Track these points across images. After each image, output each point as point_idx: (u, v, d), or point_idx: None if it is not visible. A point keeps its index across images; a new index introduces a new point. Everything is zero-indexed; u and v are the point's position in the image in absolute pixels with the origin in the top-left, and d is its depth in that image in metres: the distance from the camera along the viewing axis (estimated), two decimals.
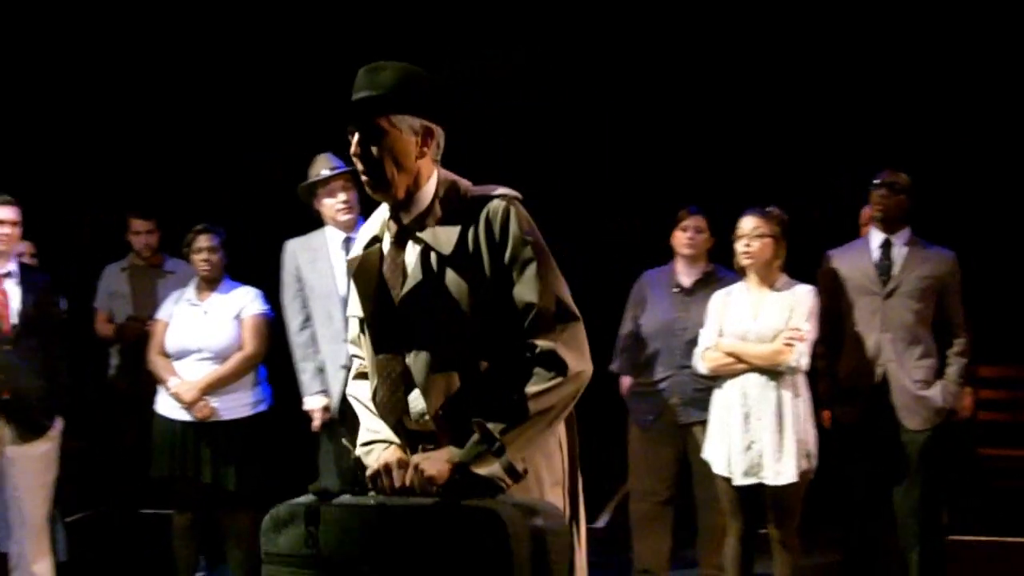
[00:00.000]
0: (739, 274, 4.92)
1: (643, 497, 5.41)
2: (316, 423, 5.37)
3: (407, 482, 2.68)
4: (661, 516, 5.37)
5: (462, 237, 2.78)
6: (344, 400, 5.33)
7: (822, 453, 4.79)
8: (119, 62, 7.37)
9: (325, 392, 5.38)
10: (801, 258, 5.05)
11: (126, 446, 6.15)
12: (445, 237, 2.79)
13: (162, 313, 5.61)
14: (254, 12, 7.19)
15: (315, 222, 5.54)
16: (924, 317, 5.15)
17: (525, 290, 2.75)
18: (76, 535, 6.49)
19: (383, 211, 2.93)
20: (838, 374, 5.24)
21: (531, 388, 2.70)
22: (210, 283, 5.53)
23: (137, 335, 5.98)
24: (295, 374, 5.44)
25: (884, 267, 5.19)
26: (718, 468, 4.80)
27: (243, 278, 5.62)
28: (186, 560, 5.54)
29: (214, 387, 5.36)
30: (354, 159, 2.83)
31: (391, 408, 2.86)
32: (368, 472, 2.74)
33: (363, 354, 2.96)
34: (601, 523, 7.05)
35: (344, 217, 5.40)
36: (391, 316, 2.84)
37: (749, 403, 4.71)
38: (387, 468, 2.71)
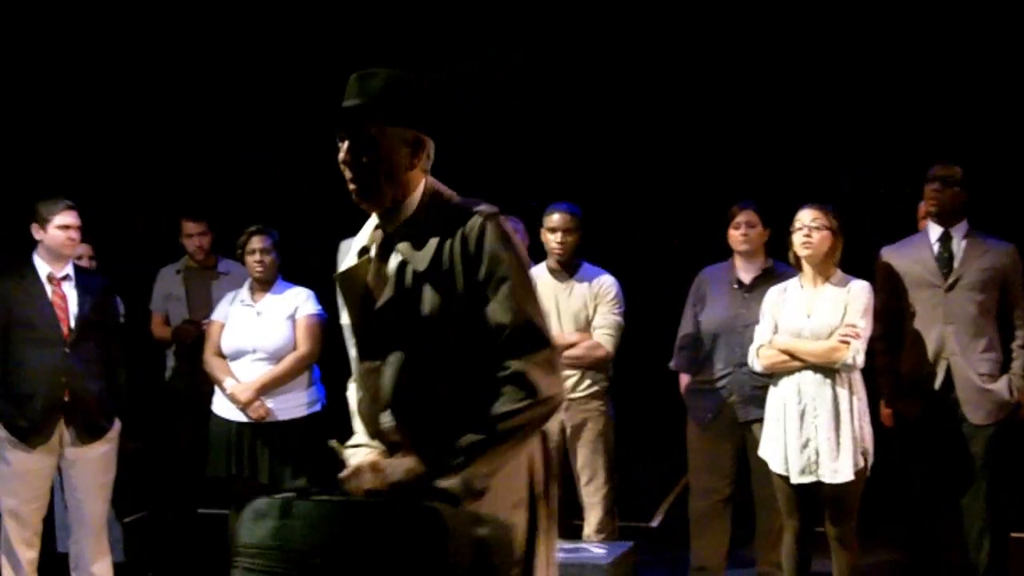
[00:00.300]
0: (795, 268, 4.88)
1: (702, 495, 5.36)
2: None
3: (373, 486, 2.71)
4: (720, 514, 5.32)
5: (438, 252, 2.76)
6: None
7: (882, 450, 4.74)
8: (173, 65, 7.42)
9: None
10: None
11: (183, 447, 6.19)
12: (422, 251, 2.78)
13: (217, 314, 5.65)
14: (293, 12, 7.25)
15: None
16: (987, 309, 5.07)
17: (498, 310, 2.71)
18: (133, 535, 6.54)
19: (374, 220, 2.94)
20: (900, 369, 5.17)
21: (499, 409, 2.67)
22: (264, 284, 5.55)
23: (193, 337, 6.02)
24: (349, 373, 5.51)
25: (944, 260, 5.12)
26: (775, 466, 4.75)
27: (297, 279, 5.65)
28: None
29: (269, 387, 5.39)
30: (342, 166, 2.83)
31: (370, 418, 2.89)
32: (341, 475, 2.78)
33: None
34: (655, 522, 7.02)
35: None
36: (372, 326, 2.86)
37: (805, 401, 4.66)
38: (357, 471, 2.75)
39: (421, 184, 2.86)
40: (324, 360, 5.58)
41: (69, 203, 5.21)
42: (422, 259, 2.77)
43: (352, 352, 3.01)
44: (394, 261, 2.82)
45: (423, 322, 2.76)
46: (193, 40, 7.23)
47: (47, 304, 5.15)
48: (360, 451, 2.91)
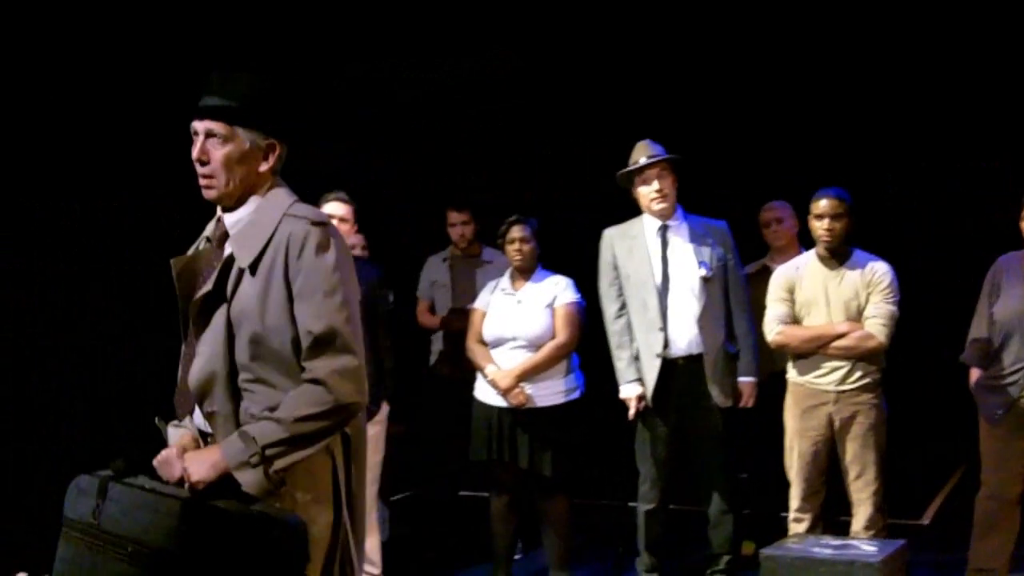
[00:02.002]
0: None
1: (992, 494, 5.10)
2: (631, 412, 5.43)
3: (180, 477, 2.83)
4: (1008, 514, 5.06)
5: (263, 252, 2.89)
6: (658, 386, 5.39)
7: None
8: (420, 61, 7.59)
9: (640, 381, 5.43)
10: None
11: (447, 431, 6.33)
12: (248, 250, 2.90)
13: (479, 302, 5.74)
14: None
15: (633, 209, 5.58)
16: None
17: (308, 316, 2.83)
18: (398, 515, 6.77)
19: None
20: None
21: (298, 411, 2.80)
22: (524, 273, 5.60)
23: (460, 326, 6.13)
24: (610, 362, 5.53)
25: None
26: None
27: (557, 267, 5.68)
28: (503, 542, 5.65)
29: (528, 375, 5.43)
30: (195, 162, 2.96)
31: (182, 402, 3.02)
32: (155, 460, 2.90)
33: None
34: (926, 519, 6.79)
35: (658, 206, 5.43)
36: (193, 313, 2.97)
37: None
38: (167, 460, 2.88)
39: (267, 185, 3.02)
40: (583, 348, 5.60)
41: (340, 195, 5.39)
42: (247, 256, 2.91)
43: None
44: (223, 254, 2.98)
45: (236, 316, 2.90)
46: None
47: None
48: (179, 432, 3.01)
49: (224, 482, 2.79)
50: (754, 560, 4.95)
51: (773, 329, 5.21)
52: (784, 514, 5.32)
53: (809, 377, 5.14)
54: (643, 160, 5.42)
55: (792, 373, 5.23)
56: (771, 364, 5.51)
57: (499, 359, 5.52)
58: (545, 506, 5.55)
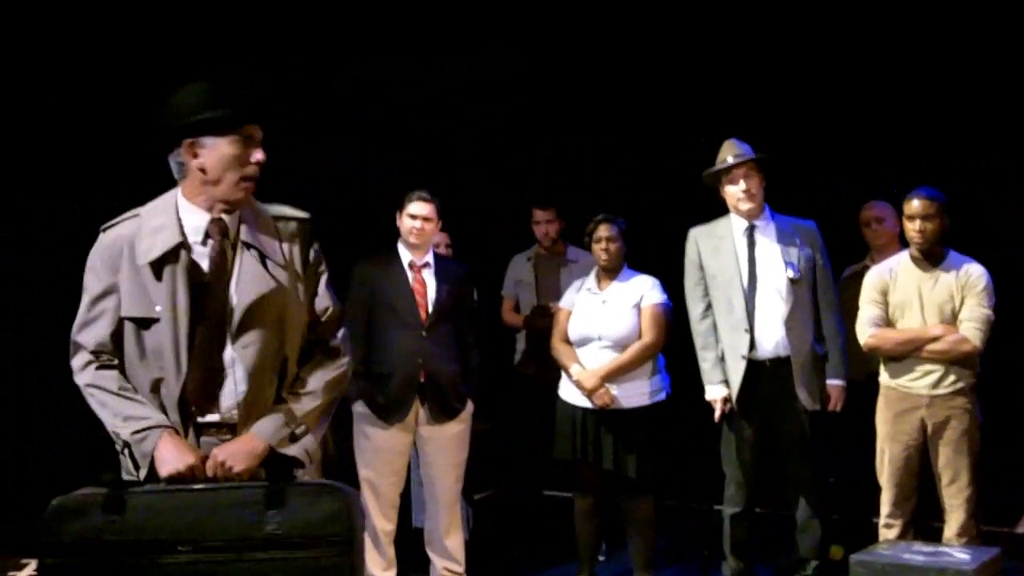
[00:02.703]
0: None
1: None
2: (716, 414, 5.44)
3: (211, 474, 2.98)
4: None
5: (282, 247, 3.21)
6: (744, 388, 5.38)
7: None
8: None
9: (725, 382, 5.44)
10: None
11: (531, 429, 6.38)
12: (272, 247, 3.19)
13: (565, 301, 5.77)
14: None
15: (719, 209, 5.57)
16: None
17: (325, 295, 3.26)
18: (481, 513, 6.78)
19: (169, 210, 3.17)
20: None
21: (327, 376, 3.20)
22: (609, 272, 5.62)
23: (543, 325, 6.17)
24: (696, 363, 5.53)
25: None
26: None
27: (644, 268, 5.68)
28: (587, 543, 5.69)
29: (614, 375, 5.45)
30: (256, 165, 3.14)
31: (201, 399, 3.09)
32: (168, 473, 2.96)
33: (102, 343, 3.16)
34: (1021, 528, 6.68)
35: (745, 206, 5.43)
36: (213, 313, 3.10)
37: None
38: (191, 471, 2.98)
39: None
40: (669, 349, 5.61)
41: (423, 193, 5.43)
42: (276, 252, 3.18)
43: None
44: (248, 252, 3.15)
45: (278, 308, 3.15)
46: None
47: (408, 290, 5.43)
48: (151, 435, 3.03)
49: (271, 460, 3.04)
50: (842, 565, 4.92)
51: (866, 331, 5.18)
52: (875, 519, 5.29)
53: (902, 380, 5.12)
54: (730, 159, 5.42)
55: (884, 376, 5.20)
56: (866, 366, 5.49)
57: (584, 359, 5.55)
58: (630, 507, 5.57)
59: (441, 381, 5.41)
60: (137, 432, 3.02)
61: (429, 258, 5.54)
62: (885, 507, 5.16)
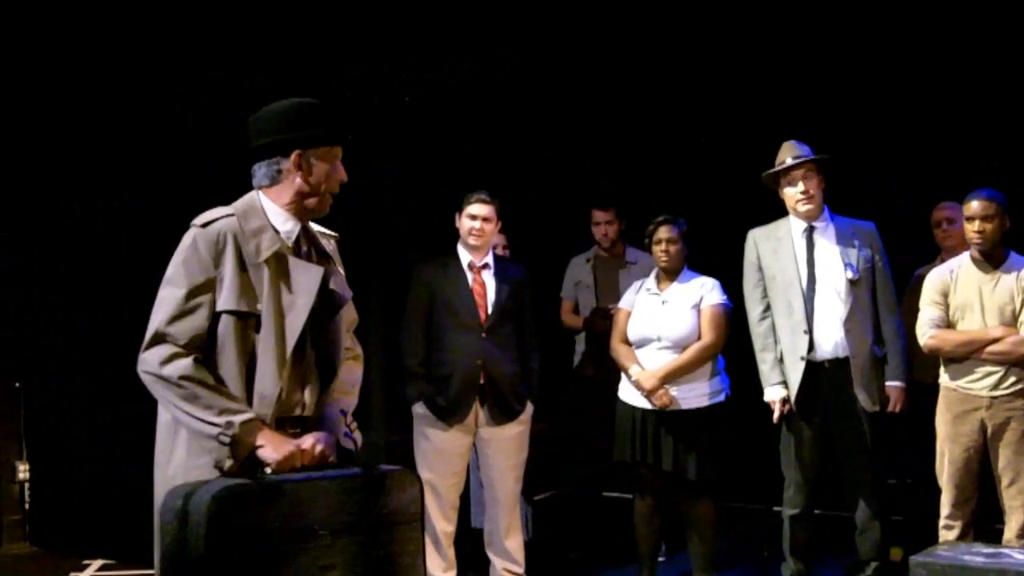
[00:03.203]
0: None
1: None
2: (775, 415, 5.47)
3: (304, 463, 3.21)
4: None
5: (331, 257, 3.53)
6: (803, 389, 5.40)
7: None
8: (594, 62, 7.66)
9: (784, 383, 5.47)
10: None
11: (591, 431, 6.41)
12: (336, 256, 3.53)
13: (624, 302, 5.81)
14: None
15: (779, 210, 5.61)
16: None
17: (352, 307, 3.56)
18: (541, 514, 6.85)
19: (259, 214, 3.35)
20: None
21: (359, 378, 3.60)
22: (670, 273, 5.65)
23: (602, 327, 6.22)
24: (755, 364, 5.57)
25: None
26: None
27: (704, 269, 5.72)
28: (647, 544, 5.72)
29: (673, 376, 5.49)
30: (340, 183, 3.43)
31: (292, 399, 3.32)
32: (279, 461, 3.15)
33: (196, 336, 3.25)
34: None
35: (803, 207, 5.47)
36: (311, 319, 3.33)
37: None
38: (292, 456, 3.18)
39: None
40: (729, 350, 5.65)
41: (482, 195, 5.52)
42: (337, 263, 3.52)
43: (274, 333, 3.29)
44: (329, 262, 3.46)
45: (346, 312, 3.50)
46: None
47: (467, 291, 5.51)
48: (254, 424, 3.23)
49: (340, 453, 3.35)
50: (902, 567, 4.95)
51: (926, 333, 5.20)
52: (935, 521, 5.29)
53: (961, 382, 5.13)
54: (789, 160, 5.47)
55: (944, 378, 5.22)
56: (929, 373, 5.45)
57: (644, 360, 5.59)
58: (690, 509, 5.61)
59: (500, 383, 5.49)
60: (245, 423, 3.16)
61: (489, 259, 5.62)
62: (945, 508, 5.17)
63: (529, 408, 5.60)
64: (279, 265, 3.30)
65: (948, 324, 5.20)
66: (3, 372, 7.24)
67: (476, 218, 5.52)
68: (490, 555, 5.67)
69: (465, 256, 5.59)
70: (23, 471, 7.34)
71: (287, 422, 3.31)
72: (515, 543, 5.65)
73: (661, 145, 7.68)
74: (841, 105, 7.01)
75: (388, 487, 3.22)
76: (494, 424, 5.52)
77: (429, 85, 7.38)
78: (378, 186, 7.19)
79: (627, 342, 5.71)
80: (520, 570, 5.65)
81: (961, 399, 5.13)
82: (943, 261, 5.84)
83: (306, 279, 3.33)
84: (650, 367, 5.55)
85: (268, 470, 3.13)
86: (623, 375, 5.71)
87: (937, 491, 5.24)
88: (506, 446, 5.57)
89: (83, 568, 6.59)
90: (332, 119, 3.40)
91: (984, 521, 5.29)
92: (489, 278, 5.59)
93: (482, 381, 5.47)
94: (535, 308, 5.82)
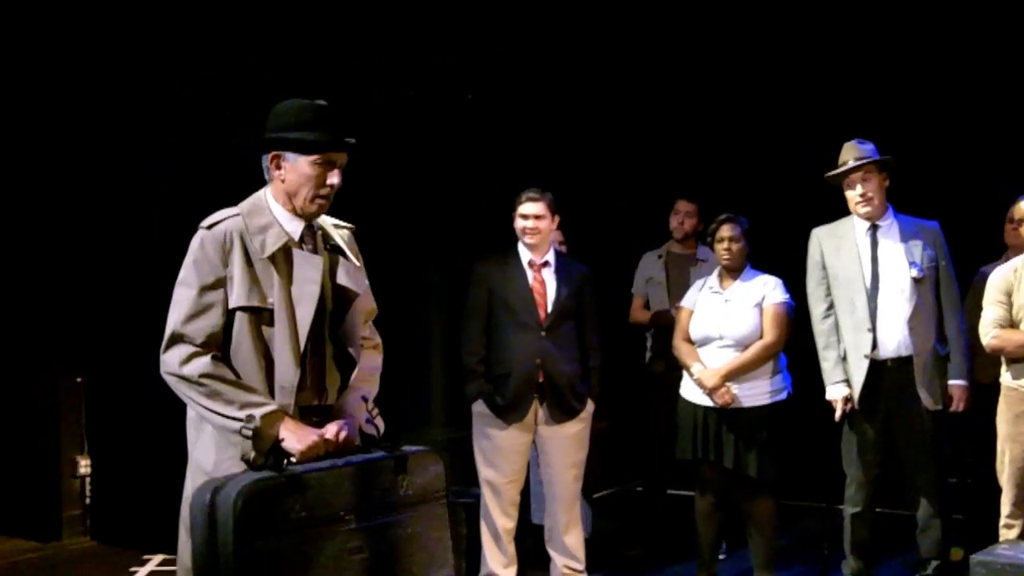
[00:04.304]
0: None
1: None
2: (837, 413, 5.57)
3: (328, 451, 3.37)
4: None
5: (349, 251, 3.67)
6: (866, 388, 5.48)
7: None
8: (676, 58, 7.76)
9: (846, 382, 5.55)
10: None
11: (659, 429, 6.53)
12: (347, 250, 3.65)
13: (687, 300, 5.91)
14: None
15: (844, 208, 5.69)
16: None
17: (369, 300, 3.74)
18: (601, 511, 6.99)
19: (265, 211, 3.53)
20: None
21: (378, 363, 3.77)
22: (732, 272, 5.76)
23: (670, 324, 6.26)
24: (818, 363, 5.66)
25: None
26: None
27: (768, 267, 5.82)
28: (708, 542, 5.84)
29: (735, 374, 5.60)
30: (331, 187, 3.53)
31: (312, 388, 3.52)
32: (304, 451, 3.31)
33: (213, 335, 3.41)
34: None
35: (862, 210, 5.56)
36: (319, 308, 3.50)
37: None
38: (316, 445, 3.34)
39: None
40: (791, 349, 5.75)
41: (532, 192, 5.64)
42: (351, 255, 3.64)
43: (288, 326, 3.45)
44: (339, 255, 3.61)
45: (361, 303, 3.64)
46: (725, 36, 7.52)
47: (527, 289, 5.62)
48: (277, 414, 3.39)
49: (362, 437, 3.54)
50: (963, 566, 4.99)
51: (988, 333, 5.27)
52: (995, 520, 5.35)
53: (1022, 382, 5.21)
54: (851, 162, 5.55)
55: (1006, 377, 5.28)
56: (988, 373, 5.57)
57: (706, 358, 5.70)
58: (750, 506, 5.72)
59: (559, 382, 5.59)
60: (267, 416, 3.32)
61: (549, 257, 5.71)
62: (1005, 507, 5.24)
63: (589, 406, 5.71)
64: (286, 259, 3.47)
65: (1011, 324, 5.27)
66: (65, 367, 7.44)
67: (528, 217, 5.63)
68: (550, 551, 5.79)
69: (525, 254, 5.69)
70: (84, 466, 7.52)
71: (310, 411, 3.49)
72: (575, 540, 5.76)
73: (724, 142, 7.78)
74: (908, 101, 7.05)
75: (411, 468, 3.41)
76: (553, 422, 5.63)
77: (491, 81, 7.49)
78: (441, 182, 7.33)
79: (689, 340, 5.81)
80: (580, 566, 5.76)
81: (1021, 399, 5.21)
82: (1007, 259, 5.89)
83: (311, 271, 3.49)
84: (712, 365, 5.66)
85: (293, 459, 3.26)
86: (685, 373, 5.82)
87: (998, 490, 5.31)
88: (566, 444, 5.68)
89: (144, 563, 6.75)
90: (324, 124, 3.50)
91: None
92: (549, 276, 5.68)
93: (541, 380, 5.58)
94: (603, 305, 5.88)
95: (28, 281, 7.34)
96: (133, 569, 6.68)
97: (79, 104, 7.06)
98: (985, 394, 5.50)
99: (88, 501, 7.58)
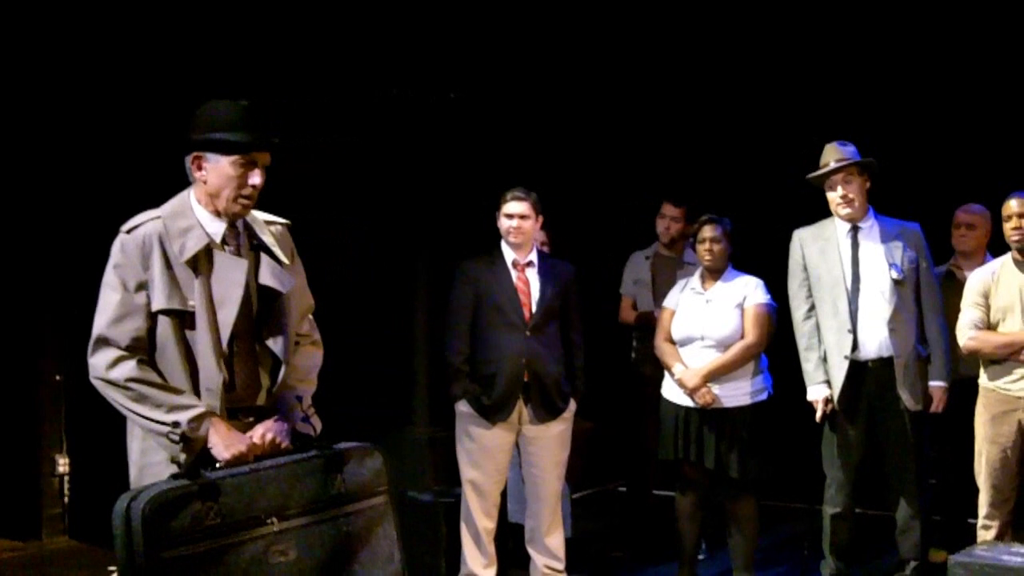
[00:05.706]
0: None
1: None
2: (818, 414, 5.65)
3: (262, 452, 3.43)
4: None
5: (279, 248, 3.69)
6: (847, 389, 5.54)
7: None
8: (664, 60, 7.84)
9: (827, 383, 5.65)
10: None
11: (645, 429, 6.59)
12: (275, 248, 3.66)
13: (669, 301, 5.98)
14: None
15: (825, 210, 5.77)
16: None
17: (306, 294, 3.82)
18: (582, 511, 7.04)
19: (188, 213, 3.56)
20: None
21: (316, 362, 3.80)
22: (714, 273, 5.83)
23: (655, 324, 6.27)
24: (799, 364, 5.75)
25: None
26: None
27: (749, 268, 5.90)
28: (689, 541, 5.91)
29: (716, 374, 5.67)
30: (254, 188, 3.56)
31: (243, 389, 3.57)
32: (232, 455, 3.37)
33: (138, 339, 3.46)
34: None
35: (843, 211, 5.64)
36: (243, 307, 3.55)
37: None
38: (250, 450, 3.41)
39: None
40: (772, 349, 5.83)
41: (517, 192, 5.71)
42: (279, 252, 3.66)
43: (210, 329, 3.51)
44: (263, 254, 3.63)
45: (289, 305, 3.66)
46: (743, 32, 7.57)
47: (512, 289, 5.68)
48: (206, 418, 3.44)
49: (296, 438, 3.59)
50: (943, 567, 5.07)
51: (966, 334, 5.38)
52: (973, 520, 5.49)
53: (1000, 383, 5.32)
54: (832, 164, 5.62)
55: (984, 378, 5.39)
56: (970, 369, 5.65)
57: (687, 358, 5.78)
58: (731, 507, 5.80)
59: (545, 381, 5.66)
60: (193, 420, 3.37)
61: (533, 256, 5.78)
62: (983, 508, 5.35)
63: (572, 405, 5.77)
64: (208, 261, 3.51)
65: (989, 325, 5.38)
66: (44, 366, 7.46)
67: (513, 217, 5.69)
68: (531, 552, 5.85)
69: (509, 254, 5.75)
70: (63, 465, 7.54)
71: (240, 412, 3.55)
72: (556, 540, 5.82)
73: (706, 143, 7.85)
74: (890, 103, 7.11)
75: (345, 465, 3.47)
76: (538, 422, 5.69)
77: (479, 80, 7.54)
78: (425, 181, 7.41)
79: (671, 340, 5.88)
80: (561, 566, 5.82)
81: (1000, 400, 5.32)
82: (956, 265, 6.09)
83: (234, 272, 3.53)
84: (693, 365, 5.73)
85: (219, 465, 3.33)
86: (666, 373, 5.89)
87: (977, 491, 5.41)
88: (550, 444, 5.75)
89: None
90: (245, 124, 3.53)
91: (1022, 521, 5.47)
92: (533, 276, 5.75)
93: (526, 380, 5.64)
94: (590, 306, 5.93)
95: (7, 280, 7.36)
96: (112, 568, 6.49)
97: (50, 104, 7.13)
98: (964, 395, 5.61)
99: (67, 500, 7.60)
